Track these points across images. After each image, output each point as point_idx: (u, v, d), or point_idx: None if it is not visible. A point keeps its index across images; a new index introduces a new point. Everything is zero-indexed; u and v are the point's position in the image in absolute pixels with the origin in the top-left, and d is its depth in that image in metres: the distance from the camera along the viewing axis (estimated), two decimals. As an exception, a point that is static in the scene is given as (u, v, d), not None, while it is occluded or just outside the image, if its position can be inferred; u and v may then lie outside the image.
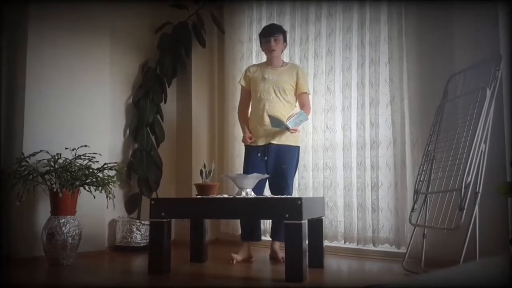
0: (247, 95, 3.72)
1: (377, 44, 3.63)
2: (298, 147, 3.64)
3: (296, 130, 3.47)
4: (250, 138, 3.58)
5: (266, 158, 3.52)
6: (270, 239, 3.61)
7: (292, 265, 2.67)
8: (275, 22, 4.30)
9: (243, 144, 3.72)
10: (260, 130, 3.55)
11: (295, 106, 3.64)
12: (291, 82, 3.58)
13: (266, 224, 4.09)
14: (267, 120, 3.50)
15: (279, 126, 3.41)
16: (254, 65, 3.83)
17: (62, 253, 3.31)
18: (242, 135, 3.73)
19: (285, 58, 4.21)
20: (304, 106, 3.59)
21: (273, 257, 3.50)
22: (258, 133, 3.56)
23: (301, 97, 3.61)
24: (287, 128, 3.39)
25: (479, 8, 3.13)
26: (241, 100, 3.80)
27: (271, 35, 3.58)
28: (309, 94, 3.68)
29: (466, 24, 3.20)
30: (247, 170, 3.51)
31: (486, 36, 3.08)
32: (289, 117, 3.40)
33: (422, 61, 3.43)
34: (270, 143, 3.52)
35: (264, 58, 3.82)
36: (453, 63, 3.25)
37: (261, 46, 3.71)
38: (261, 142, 3.55)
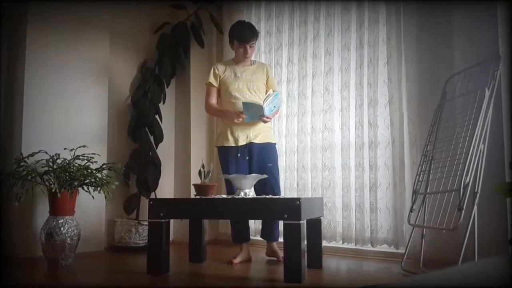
0: (215, 93, 3.58)
1: (375, 44, 3.63)
2: (275, 143, 3.64)
3: (270, 119, 3.45)
4: (239, 116, 3.35)
5: (247, 157, 3.47)
6: (261, 239, 3.60)
7: (291, 265, 2.67)
8: (274, 22, 4.31)
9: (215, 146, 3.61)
10: (237, 130, 3.44)
11: None
12: (263, 80, 3.58)
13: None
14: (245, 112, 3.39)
15: (253, 118, 3.35)
16: (220, 63, 3.68)
17: (61, 253, 3.30)
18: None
19: (284, 59, 4.23)
20: None
21: (271, 256, 3.50)
22: (236, 134, 3.46)
23: None
24: (262, 117, 3.32)
25: (478, 9, 3.13)
26: (208, 97, 3.58)
27: (246, 42, 3.47)
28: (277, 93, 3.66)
29: (465, 24, 3.20)
30: (228, 172, 3.40)
31: (485, 37, 3.08)
32: (265, 98, 3.31)
33: (421, 62, 3.43)
34: (251, 143, 3.47)
35: (231, 55, 3.74)
36: (452, 63, 3.25)
37: (231, 46, 3.57)
38: (242, 142, 3.46)
